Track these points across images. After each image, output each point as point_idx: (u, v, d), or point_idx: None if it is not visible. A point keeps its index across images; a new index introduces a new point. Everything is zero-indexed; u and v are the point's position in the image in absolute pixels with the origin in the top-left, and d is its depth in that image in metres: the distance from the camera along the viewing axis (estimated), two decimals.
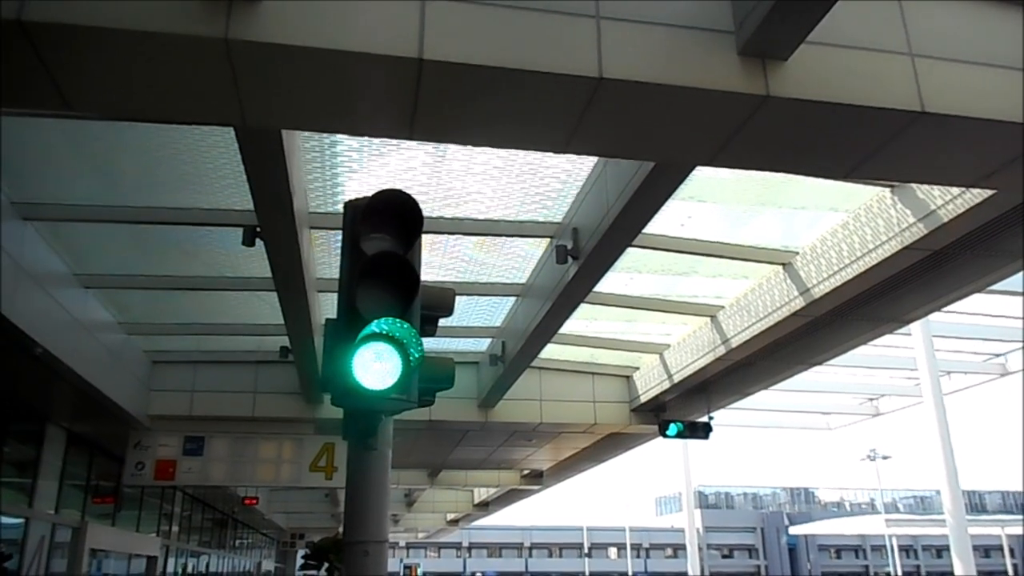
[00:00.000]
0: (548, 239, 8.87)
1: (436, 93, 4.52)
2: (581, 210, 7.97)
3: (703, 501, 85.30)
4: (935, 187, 6.60)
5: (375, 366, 2.79)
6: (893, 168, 5.65)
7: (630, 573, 70.30)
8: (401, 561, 71.71)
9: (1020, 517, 60.52)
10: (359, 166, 7.64)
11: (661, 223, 8.74)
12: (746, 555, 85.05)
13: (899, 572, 46.97)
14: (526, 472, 24.00)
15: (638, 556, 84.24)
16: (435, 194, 8.19)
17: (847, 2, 4.58)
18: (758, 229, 9.10)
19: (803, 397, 25.82)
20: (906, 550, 76.51)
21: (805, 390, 24.49)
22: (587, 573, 78.17)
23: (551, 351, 13.22)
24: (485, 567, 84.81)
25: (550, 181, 7.91)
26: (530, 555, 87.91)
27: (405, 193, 3.06)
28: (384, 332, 2.79)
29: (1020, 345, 20.26)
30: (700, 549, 72.15)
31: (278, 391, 12.91)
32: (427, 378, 3.30)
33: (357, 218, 2.93)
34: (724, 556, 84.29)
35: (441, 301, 3.43)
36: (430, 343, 12.18)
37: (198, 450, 13.24)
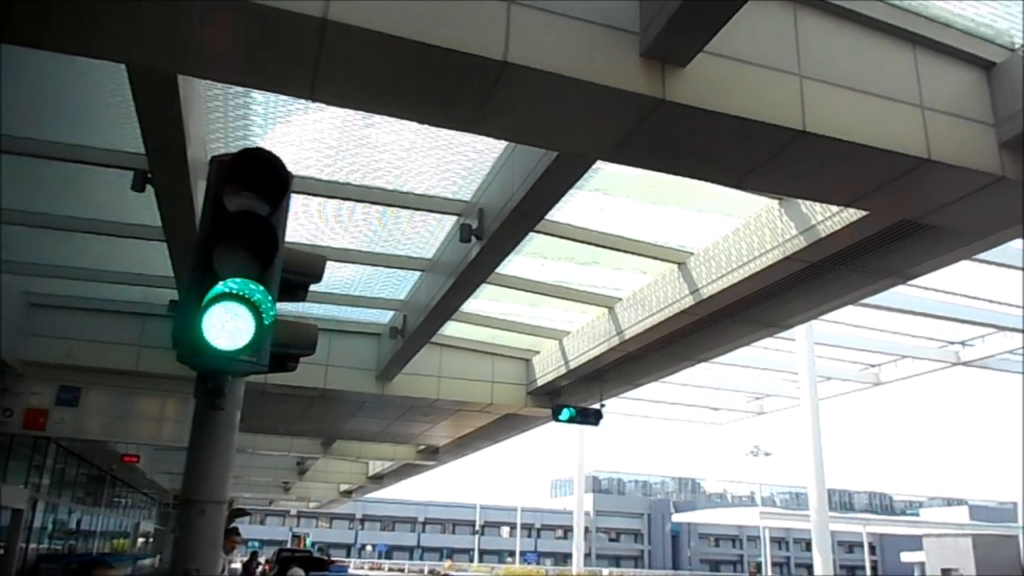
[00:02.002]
0: (455, 216, 8.90)
1: (339, 56, 4.50)
2: (489, 191, 8.04)
3: (596, 486, 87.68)
4: (817, 203, 6.99)
5: (227, 326, 2.78)
6: (777, 182, 5.96)
7: (518, 551, 71.66)
8: (291, 530, 70.78)
9: (882, 516, 64.92)
10: (265, 122, 7.47)
11: (570, 212, 8.94)
12: (632, 539, 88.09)
13: (769, 562, 49.65)
14: (422, 447, 24.08)
15: (529, 536, 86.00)
16: (344, 160, 8.10)
17: (747, 19, 4.79)
18: (659, 227, 9.39)
19: (696, 392, 26.88)
20: (779, 542, 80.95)
21: (698, 385, 25.52)
22: (478, 549, 79.29)
23: (453, 329, 13.32)
24: (377, 540, 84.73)
25: (461, 159, 7.94)
26: (423, 530, 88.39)
27: (271, 153, 3.03)
28: (237, 292, 2.77)
29: (894, 358, 21.66)
30: (588, 532, 74.24)
31: (165, 346, 12.48)
32: (285, 343, 3.29)
33: (222, 174, 2.89)
34: (611, 539, 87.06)
35: (310, 267, 3.42)
36: (328, 310, 12.01)
37: (73, 401, 12.66)
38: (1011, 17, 5.53)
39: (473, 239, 8.15)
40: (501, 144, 7.37)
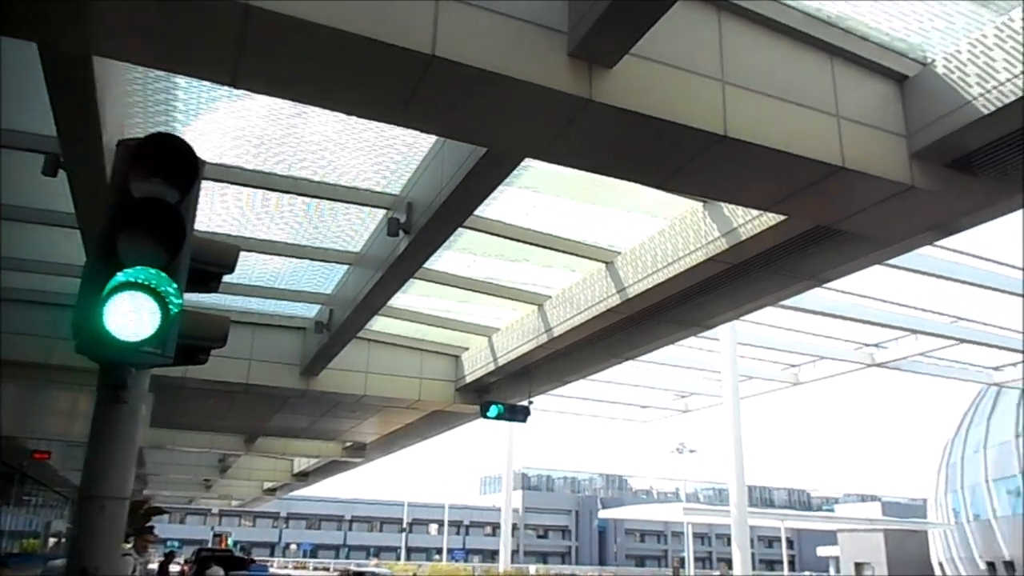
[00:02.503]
0: (384, 210, 8.81)
1: (262, 43, 4.40)
2: (418, 185, 7.98)
3: (526, 482, 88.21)
4: (738, 207, 7.18)
5: (130, 316, 2.66)
6: (699, 184, 6.11)
7: (446, 548, 71.50)
8: (212, 529, 68.86)
9: (800, 512, 67.35)
10: (188, 108, 7.23)
11: (501, 209, 8.96)
12: (560, 536, 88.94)
13: (692, 557, 50.92)
14: (349, 444, 23.77)
15: (458, 533, 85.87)
16: (271, 150, 7.92)
17: (673, 23, 4.89)
18: (588, 226, 9.50)
19: (624, 390, 27.34)
20: (701, 537, 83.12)
21: (626, 383, 25.97)
22: (405, 547, 78.73)
23: (382, 324, 13.18)
24: (302, 539, 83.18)
25: (390, 152, 7.85)
26: (350, 528, 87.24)
27: (180, 139, 2.93)
28: (142, 281, 2.66)
29: (813, 359, 22.48)
30: (517, 528, 74.62)
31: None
32: (194, 335, 3.18)
33: (129, 159, 2.77)
34: (539, 536, 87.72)
35: (222, 257, 3.31)
36: (251, 303, 11.68)
37: None
38: (924, 32, 5.78)
39: (401, 233, 8.08)
40: (431, 138, 7.33)
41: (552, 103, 4.80)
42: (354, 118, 6.89)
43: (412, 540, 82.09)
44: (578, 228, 9.53)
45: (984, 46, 5.33)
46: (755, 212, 7.01)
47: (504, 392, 14.60)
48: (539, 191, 8.65)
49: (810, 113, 5.56)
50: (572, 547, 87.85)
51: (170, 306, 2.68)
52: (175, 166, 2.81)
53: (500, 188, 7.73)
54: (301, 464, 30.42)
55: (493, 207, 8.76)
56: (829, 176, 5.63)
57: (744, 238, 7.19)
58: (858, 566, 51.07)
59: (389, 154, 7.87)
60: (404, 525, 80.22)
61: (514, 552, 55.24)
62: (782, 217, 6.71)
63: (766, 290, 8.91)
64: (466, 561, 68.15)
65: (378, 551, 78.56)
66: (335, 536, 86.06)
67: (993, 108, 5.18)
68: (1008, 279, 15.02)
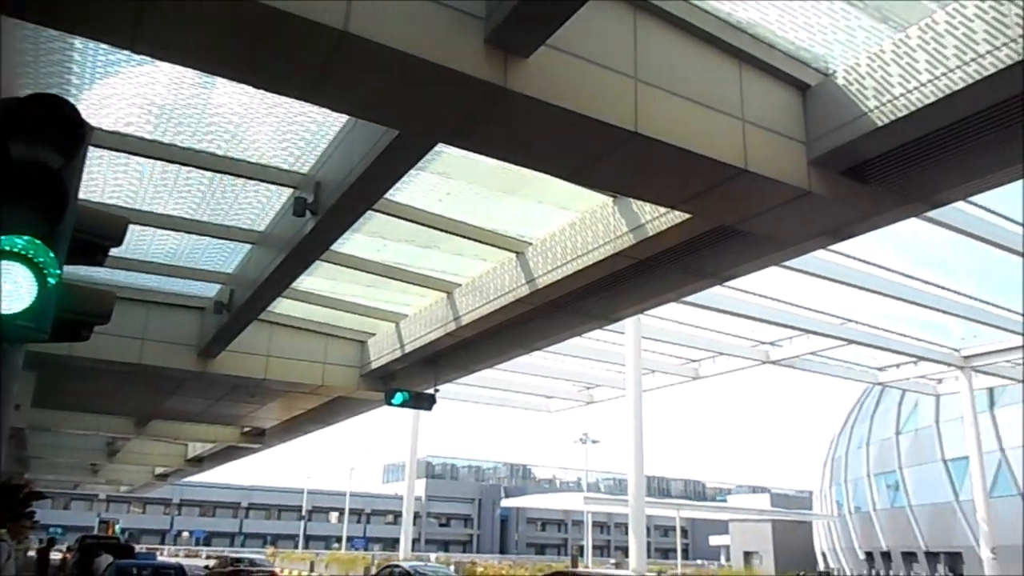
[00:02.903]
0: (291, 189, 8.54)
1: (165, 6, 4.17)
2: (328, 164, 7.77)
3: (429, 471, 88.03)
4: (646, 203, 7.33)
5: (3, 287, 2.45)
6: (608, 178, 6.20)
7: (345, 536, 70.57)
8: (98, 516, 65.61)
9: (695, 502, 69.91)
10: (84, 71, 6.81)
11: (412, 194, 8.83)
12: (462, 524, 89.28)
13: (591, 545, 52.07)
14: (247, 429, 23.08)
15: (359, 521, 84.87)
16: (172, 120, 7.55)
17: (590, 18, 4.92)
18: (500, 216, 9.50)
19: (530, 380, 27.64)
20: (601, 526, 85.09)
21: (532, 373, 26.25)
22: (304, 535, 77.24)
23: (285, 306, 12.82)
24: (195, 526, 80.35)
25: (299, 130, 7.61)
26: (247, 516, 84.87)
27: (65, 100, 2.72)
28: (16, 250, 2.46)
29: (712, 354, 23.29)
30: (419, 517, 74.42)
31: None
32: (75, 309, 2.97)
33: (7, 119, 2.54)
34: (442, 524, 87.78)
35: (108, 228, 3.10)
36: (146, 280, 11.09)
37: None
38: (827, 44, 6.03)
39: (308, 213, 7.86)
40: (343, 117, 7.14)
41: (466, 89, 4.75)
42: (263, 92, 6.65)
43: (312, 528, 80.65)
44: (490, 217, 9.51)
45: (882, 61, 5.60)
46: (662, 209, 7.16)
47: (410, 379, 14.48)
48: (452, 178, 8.58)
49: (717, 115, 5.71)
50: (474, 535, 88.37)
51: (48, 278, 2.49)
52: (59, 129, 2.60)
53: (412, 172, 7.63)
54: (196, 449, 29.34)
55: (405, 191, 8.63)
56: (733, 178, 5.81)
57: (651, 234, 7.34)
58: (747, 555, 53.66)
59: (298, 131, 7.62)
60: (303, 513, 78.69)
61: (415, 540, 55.03)
62: (687, 216, 6.88)
63: (670, 286, 9.15)
64: (366, 549, 67.41)
65: (275, 539, 76.77)
66: (231, 524, 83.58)
67: (888, 120, 5.46)
68: (894, 284, 15.95)
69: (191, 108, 7.35)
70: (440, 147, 7.09)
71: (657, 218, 7.25)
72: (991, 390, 31.74)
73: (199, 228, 9.76)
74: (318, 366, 14.20)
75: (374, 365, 14.12)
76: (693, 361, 24.80)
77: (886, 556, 41.66)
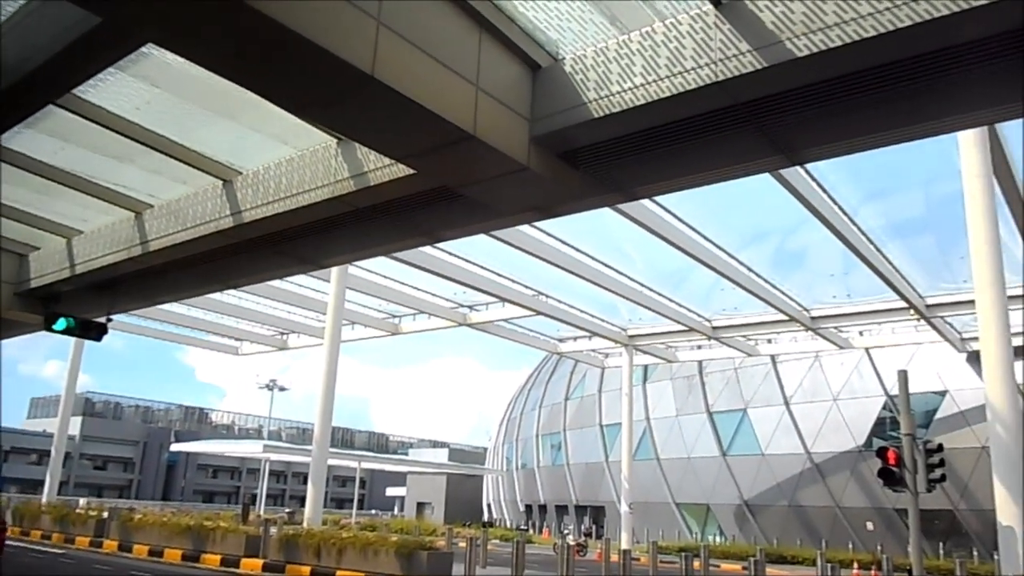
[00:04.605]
0: None
1: None
2: (3, 41, 6.43)
3: (88, 408, 79.33)
4: (372, 152, 7.16)
5: None
6: (336, 119, 5.96)
7: None
8: None
9: (377, 454, 71.70)
10: None
11: (108, 95, 7.68)
12: (122, 468, 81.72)
13: (265, 494, 50.93)
14: None
15: None
16: None
17: None
18: (209, 137, 8.65)
19: (220, 319, 26.01)
20: (278, 475, 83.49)
21: (222, 312, 24.72)
22: None
23: None
24: None
25: None
26: None
27: None
28: None
29: (414, 311, 23.86)
30: (71, 457, 66.51)
31: None
32: None
33: None
34: (97, 467, 79.55)
35: None
36: None
37: None
38: (561, 30, 6.34)
39: None
40: None
41: None
42: None
43: None
44: (197, 137, 8.63)
45: (606, 57, 6.02)
46: (387, 161, 7.04)
47: (78, 304, 12.76)
48: (158, 85, 7.61)
49: (454, 77, 5.72)
50: (135, 480, 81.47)
51: None
52: None
53: (111, 70, 6.66)
54: None
55: (99, 90, 7.50)
56: (459, 141, 5.89)
57: (372, 184, 7.19)
58: (420, 505, 56.47)
59: None
60: None
61: (63, 483, 49.17)
62: (411, 171, 6.85)
63: (385, 239, 9.09)
64: (2, 492, 58.71)
65: None
66: None
67: (602, 114, 5.90)
68: (580, 263, 17.59)
69: None
70: (149, 47, 6.25)
71: (380, 168, 7.12)
72: (646, 367, 36.78)
73: None
74: None
75: (34, 284, 12.22)
76: (395, 317, 25.23)
77: (543, 508, 46.56)
